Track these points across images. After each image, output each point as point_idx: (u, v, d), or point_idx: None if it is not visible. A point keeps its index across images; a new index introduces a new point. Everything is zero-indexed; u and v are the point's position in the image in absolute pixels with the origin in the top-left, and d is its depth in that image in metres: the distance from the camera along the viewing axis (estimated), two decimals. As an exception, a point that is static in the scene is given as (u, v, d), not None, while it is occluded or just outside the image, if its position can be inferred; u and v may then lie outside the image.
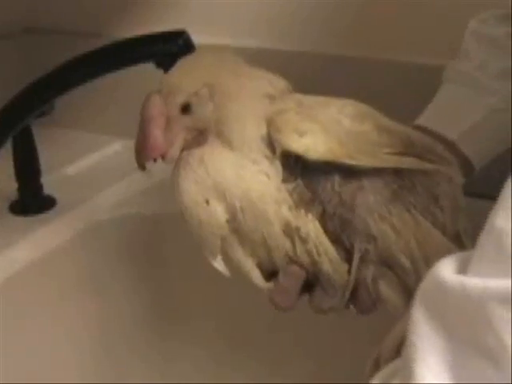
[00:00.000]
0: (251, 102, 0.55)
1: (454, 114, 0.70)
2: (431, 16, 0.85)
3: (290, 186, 0.54)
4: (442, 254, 0.55)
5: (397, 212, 0.54)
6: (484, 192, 0.83)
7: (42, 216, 0.86)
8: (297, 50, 0.95)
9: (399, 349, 0.55)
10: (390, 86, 0.87)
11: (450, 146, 0.66)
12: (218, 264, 0.56)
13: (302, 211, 0.54)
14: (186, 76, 0.57)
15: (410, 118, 0.70)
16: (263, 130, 0.54)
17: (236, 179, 0.53)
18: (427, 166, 0.56)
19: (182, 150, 0.56)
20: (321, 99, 0.57)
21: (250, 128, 0.54)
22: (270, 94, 0.56)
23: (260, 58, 0.94)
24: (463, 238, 0.58)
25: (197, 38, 0.75)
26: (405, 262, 0.54)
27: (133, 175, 0.91)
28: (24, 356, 0.78)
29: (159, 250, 0.89)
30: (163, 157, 0.56)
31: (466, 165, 0.67)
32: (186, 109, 0.56)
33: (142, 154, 0.56)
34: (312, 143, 0.52)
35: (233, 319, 0.87)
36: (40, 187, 0.87)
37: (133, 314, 0.89)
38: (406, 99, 0.84)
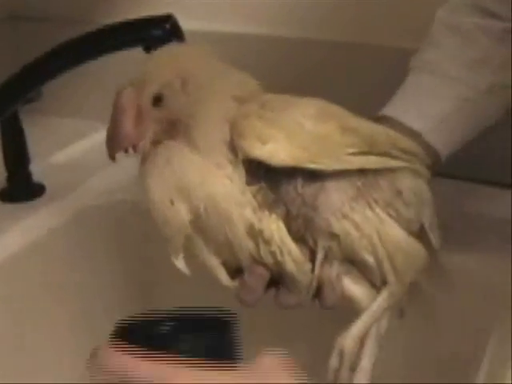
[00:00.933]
0: (219, 103, 0.55)
1: (421, 104, 0.69)
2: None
3: (254, 188, 0.54)
4: (405, 250, 0.57)
5: (359, 209, 0.55)
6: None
7: (31, 203, 0.86)
8: (286, 36, 0.95)
9: (363, 341, 0.57)
10: (394, 72, 0.86)
11: (417, 136, 0.66)
12: (179, 263, 0.57)
13: (266, 212, 0.54)
14: (159, 66, 0.57)
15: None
16: (227, 134, 0.54)
17: (200, 182, 0.54)
18: (392, 163, 0.56)
19: (153, 141, 0.56)
20: (284, 100, 0.57)
21: (214, 132, 0.54)
22: (238, 96, 0.56)
23: (247, 44, 0.95)
24: (428, 232, 0.59)
25: (185, 23, 0.75)
26: (368, 258, 0.55)
27: (122, 162, 0.91)
28: (11, 341, 0.79)
29: (149, 237, 0.89)
30: (134, 148, 0.56)
31: (432, 155, 0.67)
32: (157, 100, 0.55)
33: (113, 145, 0.56)
34: (275, 150, 0.53)
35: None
36: (29, 175, 0.87)
37: (122, 300, 0.89)
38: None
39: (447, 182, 0.81)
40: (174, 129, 0.56)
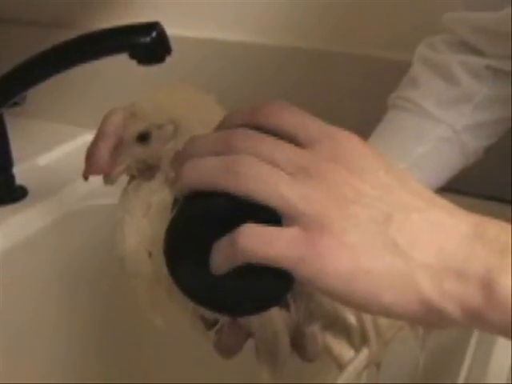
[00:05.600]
0: None
1: (399, 143, 0.70)
2: (426, 14, 0.85)
3: None
4: None
5: None
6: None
7: (13, 206, 0.86)
8: (274, 44, 0.96)
9: None
10: (382, 83, 0.86)
11: None
12: (156, 318, 0.53)
13: None
14: (156, 106, 0.54)
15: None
16: None
17: None
18: None
19: (131, 177, 0.54)
20: None
21: None
22: None
23: (233, 51, 0.96)
24: None
25: (171, 31, 0.76)
26: (349, 317, 0.53)
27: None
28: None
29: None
30: (105, 176, 0.54)
31: None
32: (143, 137, 0.53)
33: (86, 167, 0.54)
34: None
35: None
36: (12, 177, 0.87)
37: (104, 304, 0.89)
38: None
39: (447, 197, 0.81)
40: (149, 171, 0.53)
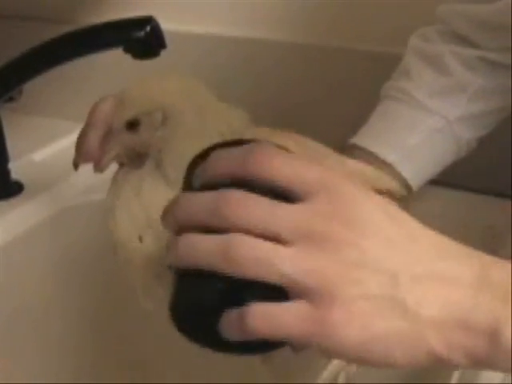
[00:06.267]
0: (200, 142, 0.50)
1: (392, 134, 0.69)
2: (425, 9, 0.85)
3: None
4: None
5: None
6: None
7: (8, 201, 0.86)
8: (269, 38, 0.96)
9: None
10: (382, 78, 0.86)
11: (388, 167, 0.66)
12: (149, 303, 0.54)
13: None
14: (144, 93, 0.54)
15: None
16: None
17: None
18: None
19: (121, 165, 0.54)
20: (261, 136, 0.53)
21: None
22: (222, 132, 0.53)
23: (231, 47, 0.96)
24: None
25: (167, 26, 0.76)
26: None
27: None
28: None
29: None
30: (95, 164, 0.54)
31: (404, 186, 0.67)
32: (132, 125, 0.53)
33: (76, 155, 0.55)
34: None
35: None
36: (7, 173, 0.87)
37: (99, 298, 0.89)
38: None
39: (448, 193, 0.82)
40: (139, 159, 0.53)
